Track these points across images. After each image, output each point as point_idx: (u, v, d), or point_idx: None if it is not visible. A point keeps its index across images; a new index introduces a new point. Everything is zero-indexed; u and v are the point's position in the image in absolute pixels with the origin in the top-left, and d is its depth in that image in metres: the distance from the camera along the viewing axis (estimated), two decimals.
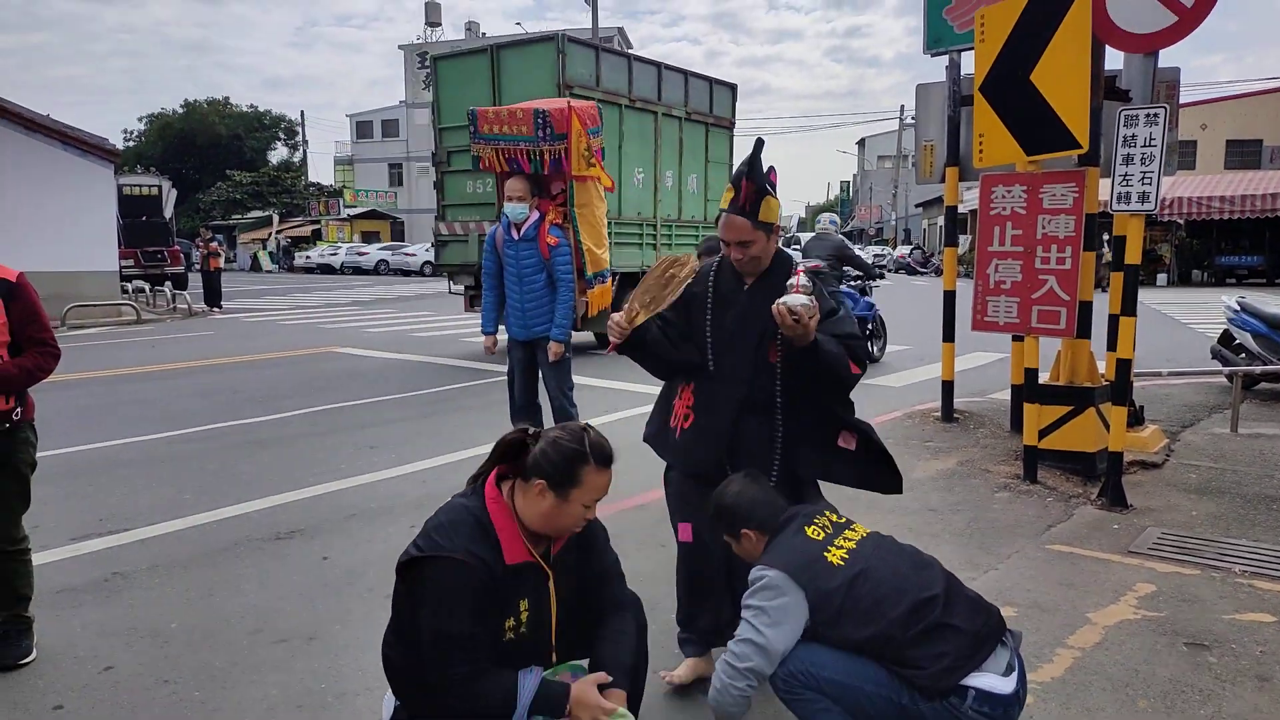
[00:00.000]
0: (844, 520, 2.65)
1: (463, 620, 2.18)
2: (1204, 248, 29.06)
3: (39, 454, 3.41)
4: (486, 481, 2.39)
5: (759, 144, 2.88)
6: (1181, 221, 27.41)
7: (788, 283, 2.78)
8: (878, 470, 2.99)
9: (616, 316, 2.89)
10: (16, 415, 3.24)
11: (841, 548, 2.49)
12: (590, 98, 10.75)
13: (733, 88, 14.25)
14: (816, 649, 2.41)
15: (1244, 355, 8.44)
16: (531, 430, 2.40)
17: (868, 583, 2.39)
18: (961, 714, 2.28)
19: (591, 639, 2.45)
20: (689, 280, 2.93)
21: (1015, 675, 2.36)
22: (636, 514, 4.93)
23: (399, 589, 2.33)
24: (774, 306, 2.72)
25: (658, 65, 12.63)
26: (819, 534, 2.54)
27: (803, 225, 59.55)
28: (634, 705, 2.41)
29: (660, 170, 12.78)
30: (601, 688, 2.27)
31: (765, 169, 2.90)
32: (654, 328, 2.96)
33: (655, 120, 12.53)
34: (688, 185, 13.46)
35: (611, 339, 2.92)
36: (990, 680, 2.30)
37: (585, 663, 2.45)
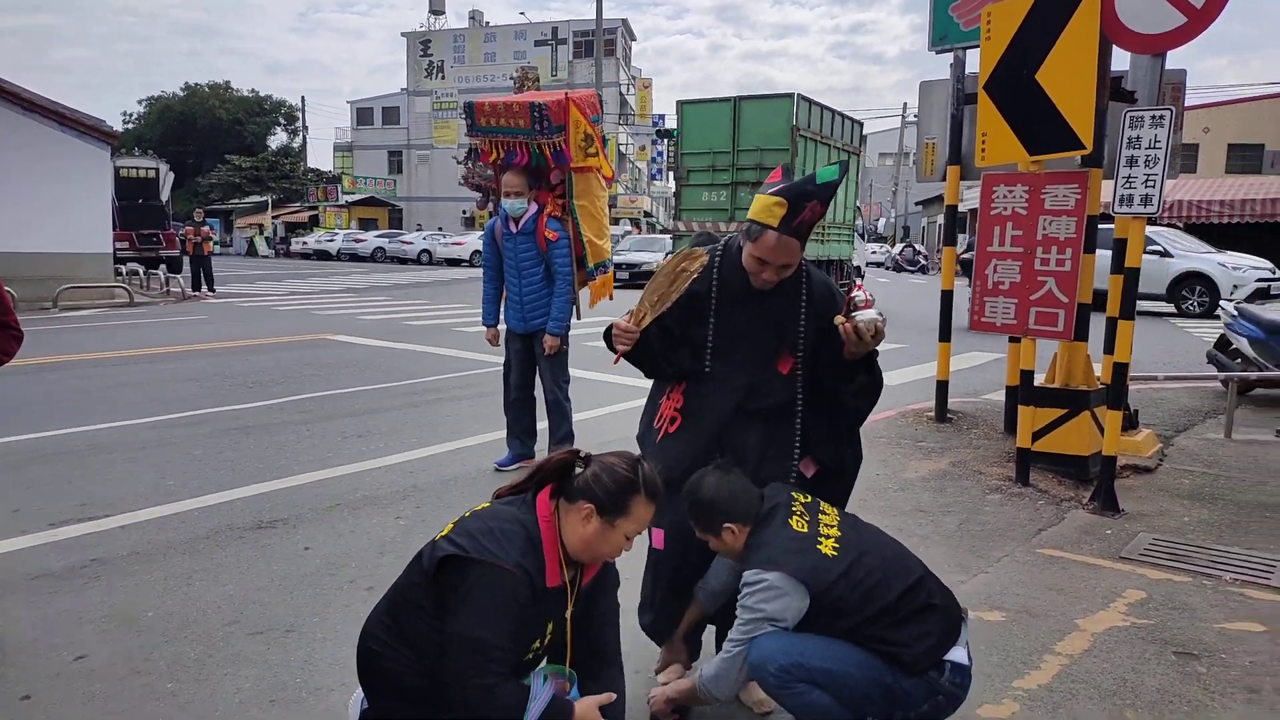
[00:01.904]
0: (811, 499, 2.66)
1: (503, 634, 2.13)
2: None
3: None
4: (538, 497, 2.32)
5: (845, 168, 2.63)
6: (1181, 225, 27.36)
7: (853, 297, 2.60)
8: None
9: (622, 322, 2.68)
10: None
11: (829, 537, 2.52)
12: (806, 137, 15.31)
13: (860, 124, 18.30)
14: (803, 640, 2.46)
15: (1240, 360, 8.40)
16: (582, 453, 2.36)
17: (861, 571, 2.46)
18: (939, 686, 2.44)
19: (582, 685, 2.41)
20: (696, 275, 2.71)
21: (966, 648, 2.53)
22: None
23: (425, 583, 2.22)
24: (840, 324, 2.57)
25: (832, 111, 16.79)
26: (802, 524, 2.53)
27: None
28: None
29: None
30: (603, 709, 2.26)
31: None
32: (654, 330, 2.76)
33: (829, 151, 16.44)
34: (838, 197, 16.68)
35: (619, 346, 2.73)
36: (960, 653, 2.48)
37: (564, 666, 2.40)
